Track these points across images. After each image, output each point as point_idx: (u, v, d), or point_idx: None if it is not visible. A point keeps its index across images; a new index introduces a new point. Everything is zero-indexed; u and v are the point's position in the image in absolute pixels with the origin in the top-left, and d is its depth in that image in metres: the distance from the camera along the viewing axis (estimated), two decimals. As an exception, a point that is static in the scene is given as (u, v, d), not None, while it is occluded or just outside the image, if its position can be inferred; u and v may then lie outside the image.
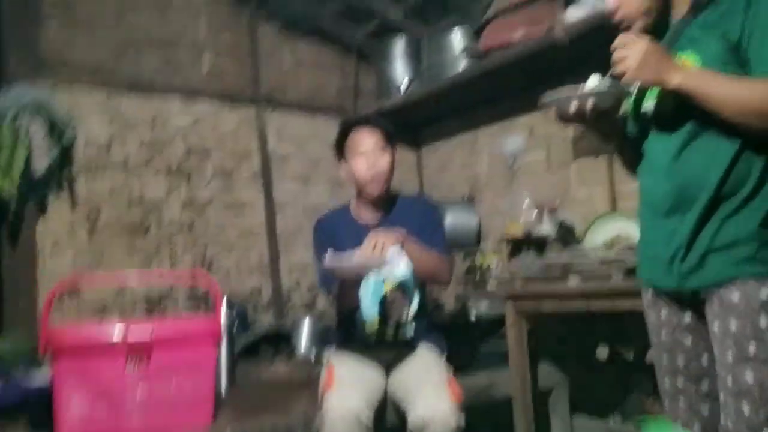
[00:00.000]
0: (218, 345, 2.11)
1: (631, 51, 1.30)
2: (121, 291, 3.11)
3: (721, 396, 1.32)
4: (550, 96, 1.44)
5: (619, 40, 1.34)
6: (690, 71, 1.30)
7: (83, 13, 3.15)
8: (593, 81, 1.42)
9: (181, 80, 3.40)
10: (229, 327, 2.47)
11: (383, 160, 2.13)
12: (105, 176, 3.14)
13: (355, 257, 1.92)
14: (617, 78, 1.36)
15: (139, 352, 1.90)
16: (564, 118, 1.46)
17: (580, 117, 1.42)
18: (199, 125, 3.44)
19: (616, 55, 1.33)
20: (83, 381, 1.86)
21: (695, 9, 1.38)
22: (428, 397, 1.88)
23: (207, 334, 1.98)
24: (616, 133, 1.54)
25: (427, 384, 1.94)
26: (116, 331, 1.90)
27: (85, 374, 1.86)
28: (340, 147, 2.21)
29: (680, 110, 1.35)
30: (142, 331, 1.93)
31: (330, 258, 1.87)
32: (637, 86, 1.45)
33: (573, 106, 1.40)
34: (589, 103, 1.38)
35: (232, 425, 2.01)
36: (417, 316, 2.13)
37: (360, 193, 2.20)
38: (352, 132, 2.18)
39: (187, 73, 3.44)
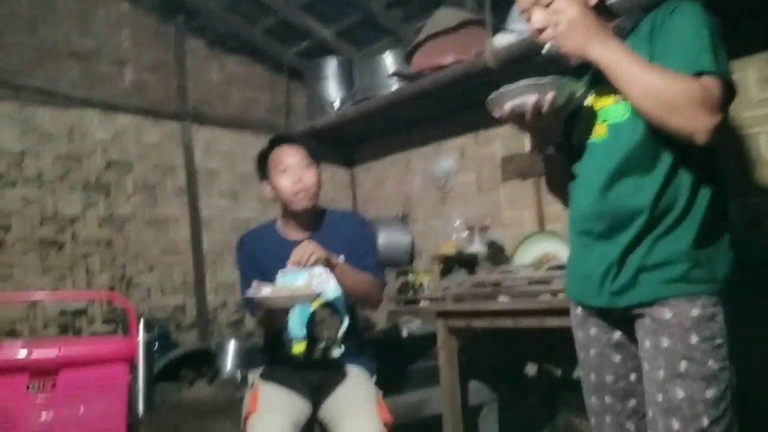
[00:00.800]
0: (133, 367, 1.99)
1: (562, 17, 1.31)
2: (31, 310, 2.90)
3: (650, 413, 1.32)
4: (507, 87, 1.30)
5: (555, 4, 1.34)
6: (612, 46, 1.28)
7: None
8: (547, 46, 1.39)
9: (101, 93, 3.26)
10: (148, 348, 2.34)
11: (309, 174, 2.07)
12: (16, 190, 2.95)
13: (281, 289, 1.83)
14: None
15: (43, 373, 1.76)
16: (515, 114, 1.33)
17: (536, 111, 1.31)
18: (121, 138, 3.30)
19: (549, 19, 1.35)
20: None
21: (619, 36, 1.39)
22: (356, 420, 1.83)
23: (120, 355, 1.86)
24: (558, 137, 1.46)
25: (356, 408, 1.88)
26: (18, 351, 1.76)
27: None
28: (263, 166, 2.14)
29: (613, 136, 1.37)
30: (47, 351, 1.79)
31: (254, 290, 1.77)
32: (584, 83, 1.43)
33: (532, 98, 1.30)
34: (549, 96, 1.30)
35: (147, 452, 1.90)
36: (347, 337, 2.08)
37: (287, 210, 2.12)
38: (274, 150, 2.11)
39: (108, 86, 3.30)
